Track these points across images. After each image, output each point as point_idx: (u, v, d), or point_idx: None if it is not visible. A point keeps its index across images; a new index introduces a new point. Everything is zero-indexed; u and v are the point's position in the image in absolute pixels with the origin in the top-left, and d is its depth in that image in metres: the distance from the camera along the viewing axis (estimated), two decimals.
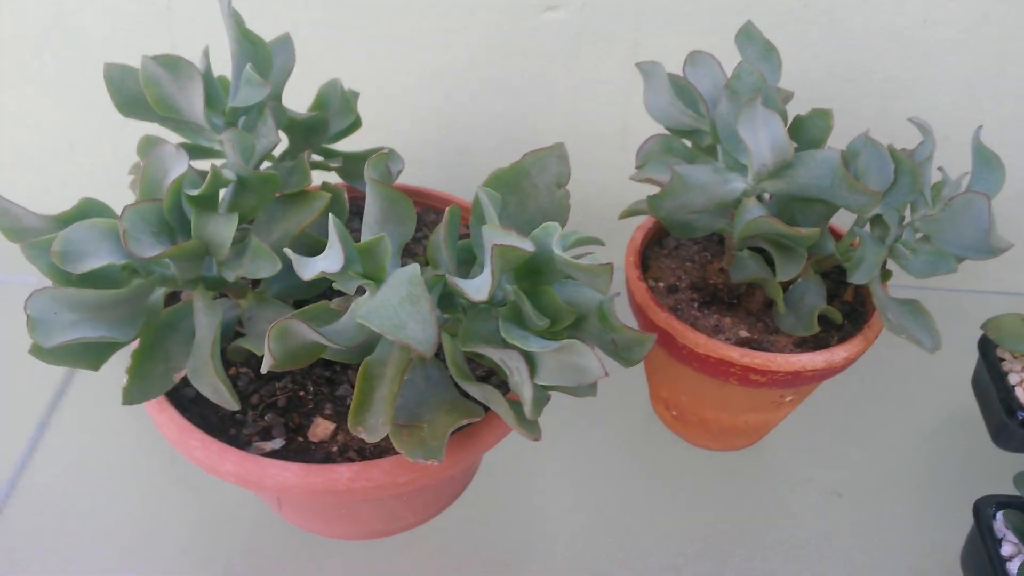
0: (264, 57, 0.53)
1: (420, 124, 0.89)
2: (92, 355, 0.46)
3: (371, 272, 0.42)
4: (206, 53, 0.49)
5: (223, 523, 0.71)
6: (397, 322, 0.40)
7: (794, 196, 0.59)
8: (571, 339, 0.39)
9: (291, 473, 0.53)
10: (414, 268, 0.41)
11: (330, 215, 0.41)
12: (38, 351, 0.44)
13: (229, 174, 0.46)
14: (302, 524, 0.70)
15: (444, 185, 0.93)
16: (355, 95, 0.61)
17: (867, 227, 0.63)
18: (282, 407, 0.60)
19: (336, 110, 0.60)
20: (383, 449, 0.57)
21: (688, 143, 0.64)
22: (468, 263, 0.49)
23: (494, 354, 0.43)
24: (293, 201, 0.51)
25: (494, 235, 0.39)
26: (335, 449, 0.57)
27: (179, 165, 0.45)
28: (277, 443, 0.57)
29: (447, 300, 0.46)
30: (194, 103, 0.49)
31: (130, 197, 0.64)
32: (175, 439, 0.55)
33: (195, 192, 0.45)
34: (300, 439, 0.58)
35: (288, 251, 0.40)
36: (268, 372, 0.60)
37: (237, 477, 0.54)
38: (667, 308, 0.65)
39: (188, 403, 0.58)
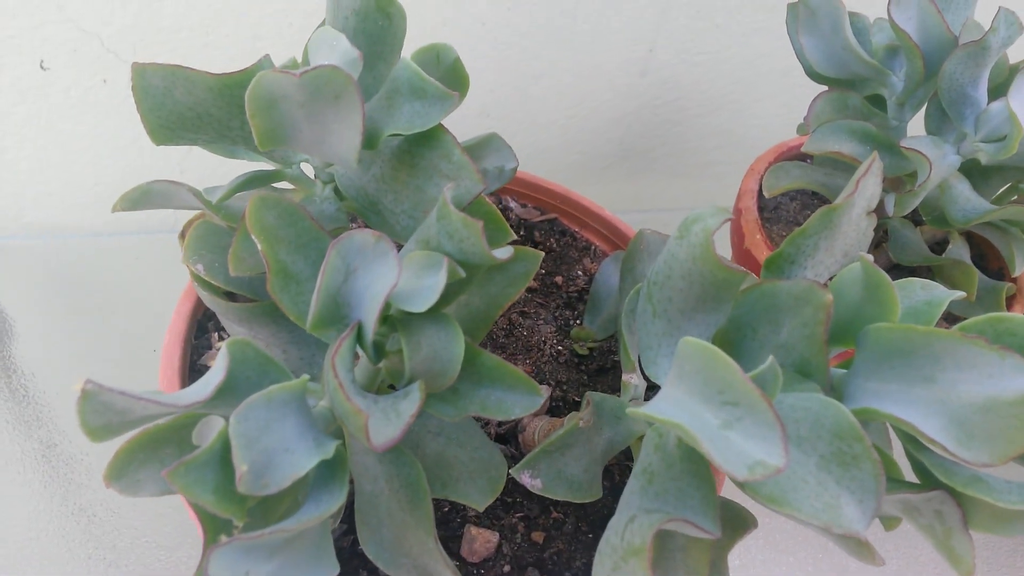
0: (396, 36, 0.33)
1: None
2: None
3: None
4: (352, 54, 0.29)
5: None
6: (828, 501, 0.26)
7: (997, 166, 0.49)
8: None
9: None
10: (833, 408, 0.27)
11: (694, 342, 0.25)
12: None
13: (459, 269, 0.28)
14: None
15: None
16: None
17: None
18: None
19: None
20: (569, 555, 0.43)
21: (859, 98, 0.51)
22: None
23: (894, 497, 0.30)
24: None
25: (981, 356, 0.25)
26: (508, 569, 0.42)
27: (382, 266, 0.26)
28: None
29: None
30: (338, 137, 0.29)
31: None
32: None
33: (422, 308, 0.27)
34: (455, 562, 0.42)
35: (680, 422, 0.24)
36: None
37: None
38: None
39: None
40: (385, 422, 0.25)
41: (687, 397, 0.26)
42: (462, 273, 0.28)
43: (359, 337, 0.28)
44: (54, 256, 0.71)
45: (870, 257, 0.29)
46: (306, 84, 0.27)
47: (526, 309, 0.53)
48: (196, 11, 0.62)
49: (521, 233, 0.56)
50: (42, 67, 0.61)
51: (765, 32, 0.74)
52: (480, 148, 0.45)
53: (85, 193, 0.70)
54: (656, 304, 0.30)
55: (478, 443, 0.36)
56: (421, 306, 0.27)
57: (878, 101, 0.52)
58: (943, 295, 0.33)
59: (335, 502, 0.25)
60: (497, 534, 0.43)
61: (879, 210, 0.56)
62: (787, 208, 0.63)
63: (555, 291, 0.54)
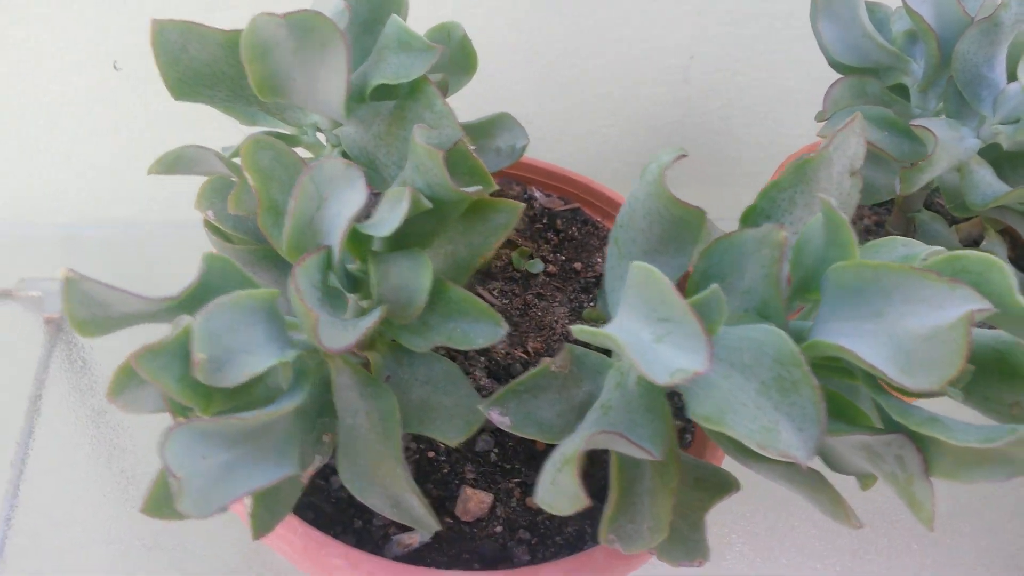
0: (396, 1, 0.36)
1: None
2: None
3: None
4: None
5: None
6: (766, 424, 0.26)
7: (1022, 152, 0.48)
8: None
9: None
10: (776, 336, 0.27)
11: (640, 265, 0.26)
12: (160, 512, 0.28)
13: (425, 200, 0.30)
14: None
15: None
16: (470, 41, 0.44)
17: None
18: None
19: (450, 66, 0.43)
20: (561, 521, 0.44)
21: (879, 84, 0.51)
22: None
23: (850, 438, 0.30)
24: (462, 216, 0.35)
25: (929, 288, 0.25)
26: (500, 529, 0.43)
27: (351, 192, 0.28)
28: (425, 533, 0.42)
29: None
30: (326, 85, 0.32)
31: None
32: (301, 556, 0.39)
33: (385, 231, 0.29)
34: (448, 520, 0.43)
35: (613, 335, 0.25)
36: None
37: None
38: None
39: None
40: (343, 331, 0.27)
41: (629, 318, 0.27)
42: (427, 204, 0.30)
43: (331, 264, 0.30)
44: (122, 245, 0.76)
45: (832, 199, 0.30)
46: (294, 29, 0.30)
47: (543, 292, 0.54)
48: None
49: (544, 221, 0.58)
50: (115, 68, 0.66)
51: (808, 39, 0.74)
52: (492, 126, 0.47)
53: (152, 188, 0.75)
54: (621, 246, 0.31)
55: (464, 393, 0.38)
56: (386, 230, 0.29)
57: (903, 91, 0.52)
58: (921, 250, 0.33)
59: (292, 403, 0.27)
60: (492, 496, 0.44)
61: (908, 205, 0.56)
62: None
63: (573, 276, 0.56)
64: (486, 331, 0.31)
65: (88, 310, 0.26)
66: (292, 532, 0.39)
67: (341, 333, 0.27)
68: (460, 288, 0.32)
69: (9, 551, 0.55)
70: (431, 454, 0.45)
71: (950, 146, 0.45)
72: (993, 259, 0.27)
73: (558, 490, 0.27)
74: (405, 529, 0.42)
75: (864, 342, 0.27)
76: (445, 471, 0.45)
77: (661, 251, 0.31)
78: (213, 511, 0.25)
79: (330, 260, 0.29)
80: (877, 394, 0.29)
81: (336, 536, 0.41)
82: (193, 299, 0.27)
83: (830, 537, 0.63)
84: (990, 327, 0.31)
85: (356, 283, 0.32)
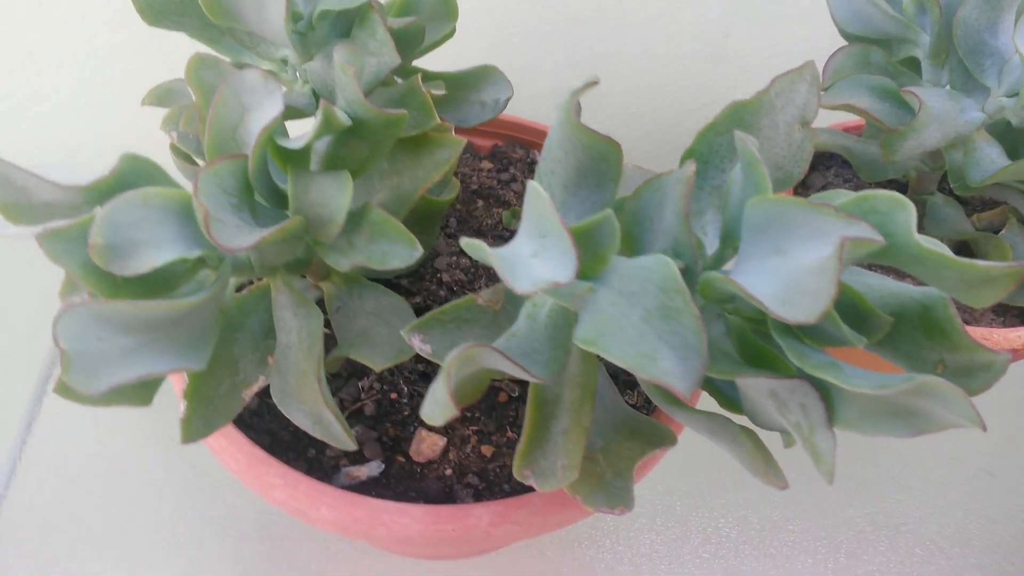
0: None
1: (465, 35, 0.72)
2: (145, 389, 0.31)
3: (586, 268, 0.28)
4: None
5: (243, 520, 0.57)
6: (644, 350, 0.26)
7: None
8: (929, 376, 0.25)
9: (413, 519, 0.39)
10: (664, 264, 0.27)
11: (531, 184, 0.26)
12: (69, 392, 0.29)
13: (343, 117, 0.30)
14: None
15: None
16: None
17: None
18: (371, 415, 0.45)
19: (430, 13, 0.44)
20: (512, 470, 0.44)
21: (884, 55, 0.49)
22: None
23: (759, 384, 0.29)
24: (409, 149, 0.36)
25: (825, 223, 0.24)
26: (449, 472, 0.44)
27: (269, 103, 0.29)
28: (374, 467, 0.43)
29: None
30: (269, 7, 0.33)
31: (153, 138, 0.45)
32: (244, 472, 0.41)
33: (297, 145, 0.29)
34: (401, 459, 0.44)
35: (487, 248, 0.25)
36: (348, 368, 0.46)
37: (337, 525, 0.40)
38: None
39: (247, 413, 0.44)
40: (247, 233, 0.28)
41: (521, 235, 0.27)
42: (344, 119, 0.30)
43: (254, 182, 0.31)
44: None
45: (749, 139, 0.29)
46: None
47: None
48: None
49: None
50: None
51: None
52: (477, 79, 0.48)
53: None
54: (542, 178, 0.31)
55: (404, 325, 0.38)
56: (300, 144, 0.30)
57: (916, 64, 0.50)
58: None
59: (197, 299, 0.28)
60: (445, 439, 0.44)
61: (921, 186, 0.53)
62: (821, 175, 0.61)
63: None
64: (402, 252, 0.31)
65: (10, 194, 0.28)
66: (238, 449, 0.40)
67: (241, 235, 0.28)
68: (380, 211, 0.32)
69: (16, 484, 0.58)
70: (393, 395, 0.46)
71: (945, 117, 0.43)
72: (900, 198, 0.26)
73: (434, 400, 0.27)
74: (356, 462, 0.43)
75: (757, 277, 0.26)
76: (406, 413, 0.46)
77: (580, 183, 0.31)
78: (103, 389, 0.27)
79: (247, 169, 0.30)
80: (782, 337, 0.29)
81: (288, 462, 0.42)
82: (107, 192, 0.29)
83: (827, 532, 0.61)
84: (919, 283, 0.30)
85: (276, 194, 0.33)
